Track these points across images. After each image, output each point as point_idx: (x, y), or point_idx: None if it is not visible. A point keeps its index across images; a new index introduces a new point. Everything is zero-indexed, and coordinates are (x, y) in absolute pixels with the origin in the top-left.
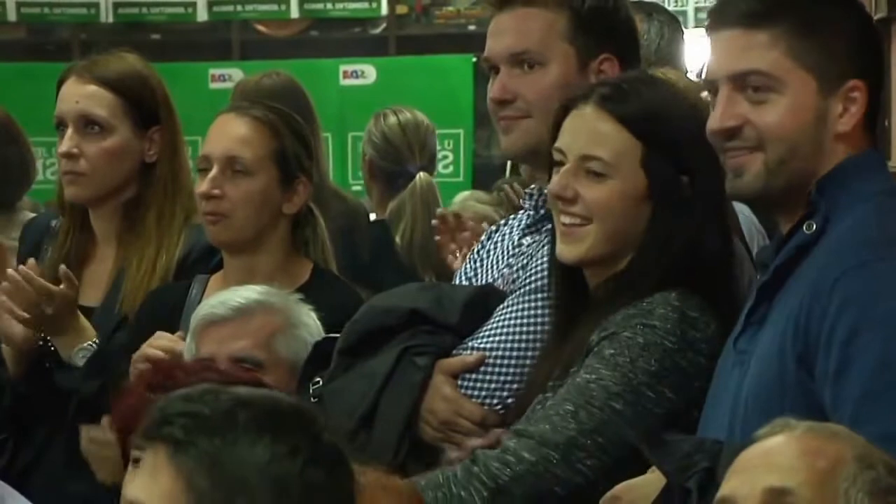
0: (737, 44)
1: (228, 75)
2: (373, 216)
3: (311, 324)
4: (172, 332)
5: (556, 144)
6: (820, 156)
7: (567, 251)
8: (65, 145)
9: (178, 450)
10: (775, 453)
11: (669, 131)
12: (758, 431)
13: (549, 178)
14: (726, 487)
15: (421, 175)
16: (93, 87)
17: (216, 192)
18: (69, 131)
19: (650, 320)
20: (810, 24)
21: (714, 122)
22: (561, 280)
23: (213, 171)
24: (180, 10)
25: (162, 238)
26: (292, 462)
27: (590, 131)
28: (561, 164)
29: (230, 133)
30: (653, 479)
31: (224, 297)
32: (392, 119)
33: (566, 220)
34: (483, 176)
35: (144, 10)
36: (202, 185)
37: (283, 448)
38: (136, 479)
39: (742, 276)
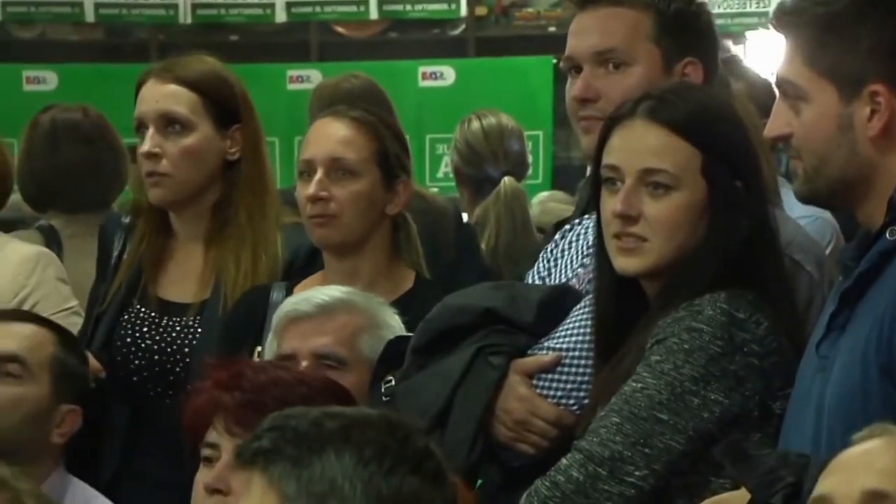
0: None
1: (307, 76)
2: (465, 218)
3: (395, 325)
4: (257, 337)
5: (608, 162)
6: (856, 161)
7: (629, 264)
8: (146, 145)
9: (268, 462)
10: (876, 456)
11: (723, 137)
12: (856, 434)
13: (593, 197)
14: (823, 486)
15: (506, 181)
16: (173, 87)
17: (323, 194)
18: (150, 131)
19: (698, 323)
20: (824, 32)
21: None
22: (616, 287)
23: (319, 174)
24: (259, 11)
25: (256, 237)
26: (380, 466)
27: (646, 145)
28: (610, 180)
29: (332, 135)
30: (739, 495)
31: (307, 294)
32: (475, 124)
33: (628, 240)
34: (562, 178)
35: (223, 11)
36: (308, 189)
37: (370, 453)
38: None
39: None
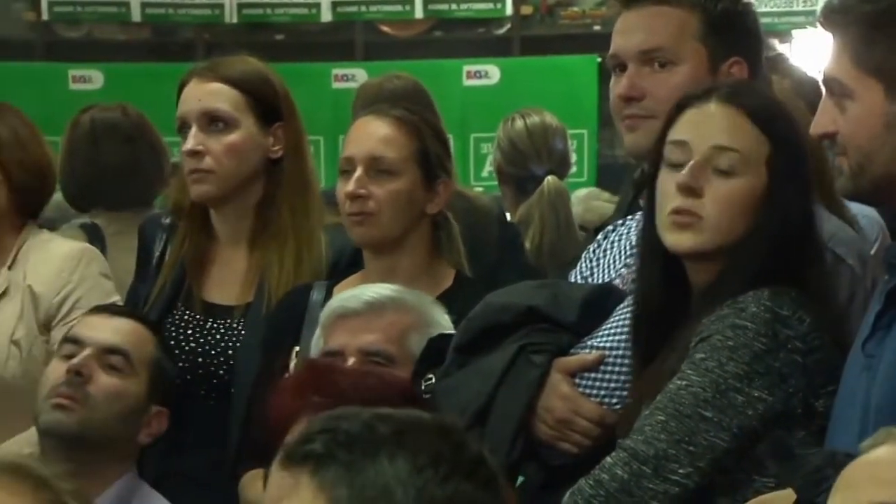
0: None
1: (352, 75)
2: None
3: (444, 324)
4: (296, 336)
5: (677, 137)
6: None
7: (682, 240)
8: (189, 143)
9: (318, 465)
10: (880, 466)
11: (789, 132)
12: (863, 443)
13: (653, 168)
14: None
15: (549, 179)
16: (216, 85)
17: (362, 191)
18: (193, 129)
19: (742, 320)
20: (871, 31)
21: (811, 127)
22: (662, 282)
23: (358, 172)
24: (304, 10)
25: (300, 237)
26: (435, 472)
27: (720, 124)
28: (674, 161)
29: (373, 134)
30: (784, 495)
31: (356, 291)
32: (519, 123)
33: (685, 216)
34: (607, 176)
35: (268, 10)
36: (347, 186)
37: (424, 459)
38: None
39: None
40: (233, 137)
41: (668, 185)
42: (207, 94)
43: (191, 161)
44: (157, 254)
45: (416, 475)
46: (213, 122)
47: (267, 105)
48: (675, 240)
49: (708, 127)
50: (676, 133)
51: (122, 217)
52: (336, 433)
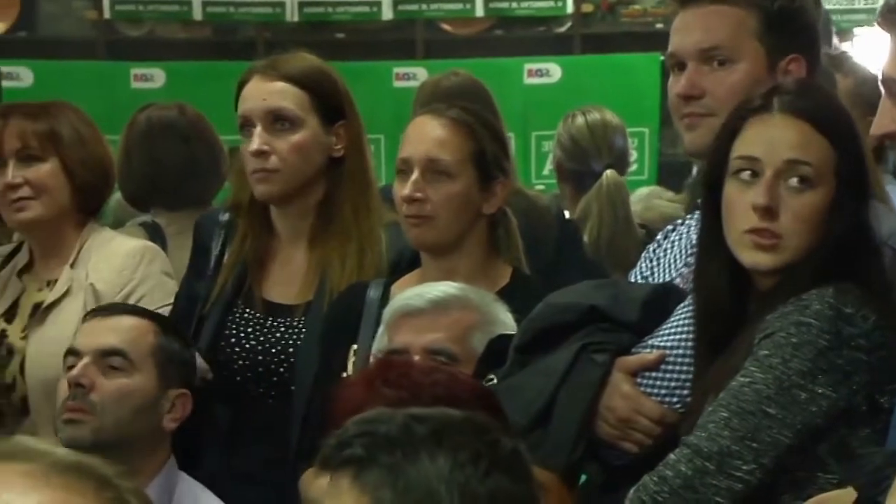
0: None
1: (413, 74)
2: (567, 215)
3: (507, 322)
4: (353, 335)
5: (744, 153)
6: None
7: (764, 260)
8: (255, 143)
9: (360, 469)
10: None
11: (852, 137)
12: None
13: (714, 176)
14: None
15: (608, 173)
16: (280, 84)
17: (419, 195)
18: (258, 129)
19: (805, 318)
20: None
21: (872, 127)
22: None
23: (414, 175)
24: (365, 8)
25: (361, 235)
26: (475, 469)
27: (789, 138)
28: (742, 172)
29: (429, 135)
30: (845, 493)
31: (421, 289)
32: (580, 120)
33: (764, 235)
34: (668, 174)
35: (329, 9)
36: (404, 189)
37: (463, 456)
38: None
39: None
40: (298, 137)
41: (740, 201)
42: (272, 92)
43: (256, 160)
44: (215, 252)
45: (457, 473)
46: (278, 121)
47: (330, 104)
48: (755, 260)
49: (777, 140)
50: (745, 147)
51: (181, 216)
52: (374, 436)
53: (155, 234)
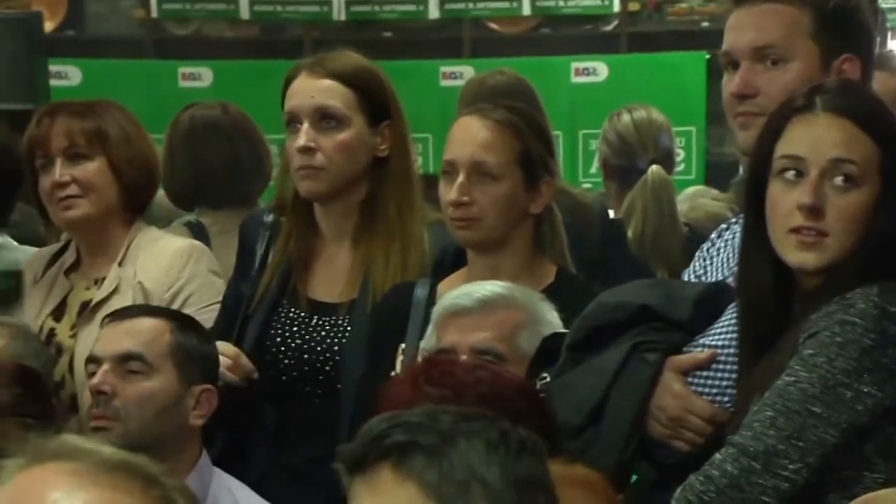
0: None
1: (459, 73)
2: (611, 213)
3: (553, 322)
4: (401, 334)
5: (789, 152)
6: None
7: (809, 259)
8: (302, 139)
9: (402, 456)
10: None
11: (894, 132)
12: None
13: (757, 175)
14: None
15: (653, 169)
16: (327, 82)
17: (465, 199)
18: (305, 126)
19: (850, 316)
20: None
21: None
22: (773, 280)
23: (460, 178)
24: (412, 7)
25: (405, 234)
26: (507, 450)
27: (833, 137)
28: (787, 171)
29: (474, 138)
30: (892, 493)
31: (468, 288)
32: (626, 117)
33: (809, 234)
34: (715, 174)
35: (376, 7)
36: (450, 194)
37: (494, 438)
38: (369, 501)
39: None
40: (344, 136)
41: (784, 201)
42: (320, 90)
43: (302, 157)
44: (260, 252)
45: (493, 454)
46: (325, 118)
47: (376, 103)
48: (801, 259)
49: (822, 139)
50: (789, 147)
51: (225, 215)
52: (408, 424)
53: (199, 233)
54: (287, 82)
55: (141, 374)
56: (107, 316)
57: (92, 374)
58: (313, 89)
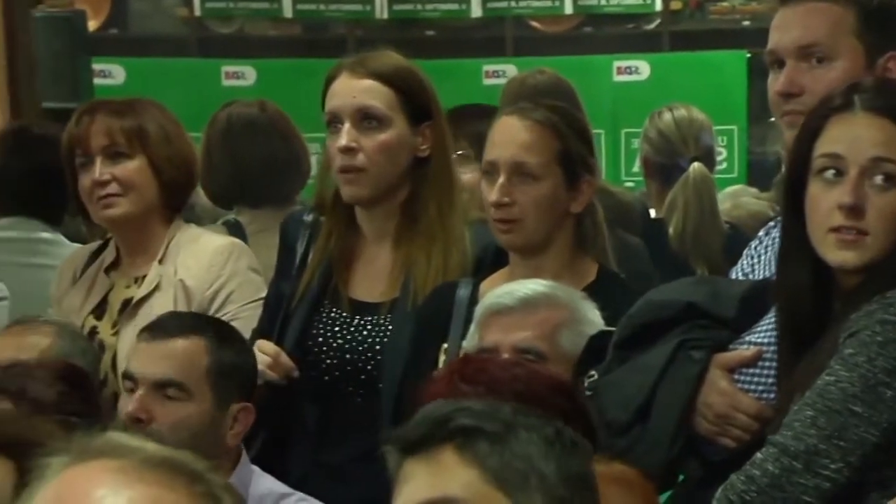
0: None
1: (502, 71)
2: (652, 213)
3: (595, 321)
4: (444, 334)
5: (828, 151)
6: None
7: (848, 258)
8: (343, 139)
9: (466, 440)
10: None
11: None
12: None
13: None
14: None
15: (695, 166)
16: (369, 82)
17: (506, 200)
18: (346, 126)
19: (891, 315)
20: None
21: None
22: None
23: (501, 179)
24: (454, 6)
25: (447, 233)
26: (563, 447)
27: (872, 136)
28: (826, 171)
29: (514, 138)
30: None
31: (510, 287)
32: (667, 115)
33: (849, 233)
34: (757, 173)
35: (419, 6)
36: (492, 194)
37: (550, 433)
38: (426, 481)
39: None
40: (385, 136)
41: (823, 200)
42: (362, 90)
43: (343, 157)
44: (300, 251)
45: (550, 449)
46: (367, 119)
47: (417, 104)
48: (841, 258)
49: (861, 138)
50: (828, 146)
51: (263, 214)
52: (472, 410)
53: (236, 232)
54: (328, 82)
55: (177, 399)
56: (143, 330)
57: (129, 391)
58: (354, 89)
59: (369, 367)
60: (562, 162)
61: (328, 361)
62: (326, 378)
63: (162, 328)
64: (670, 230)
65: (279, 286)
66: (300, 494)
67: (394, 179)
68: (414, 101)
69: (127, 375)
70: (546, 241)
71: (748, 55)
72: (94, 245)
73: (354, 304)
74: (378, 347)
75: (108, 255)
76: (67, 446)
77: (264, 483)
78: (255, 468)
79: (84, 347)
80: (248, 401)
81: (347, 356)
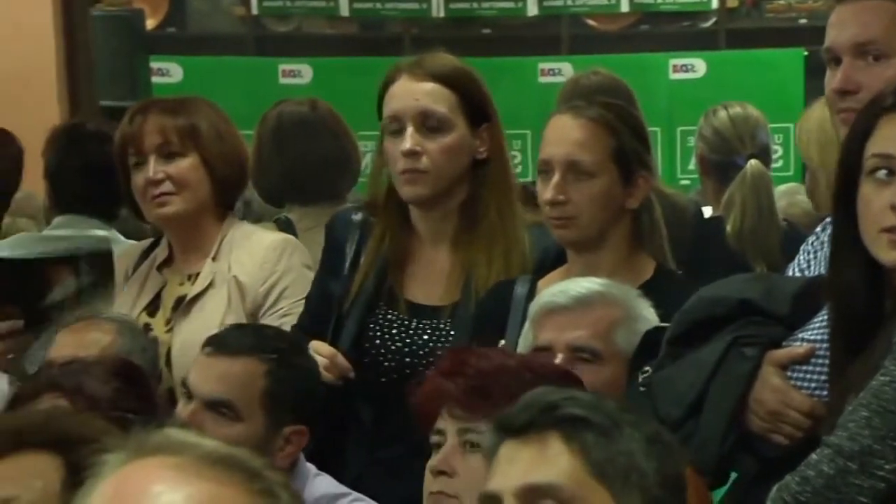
0: None
1: (558, 69)
2: (708, 211)
3: (650, 318)
4: (500, 331)
5: (881, 151)
6: None
7: None
8: (408, 143)
9: (574, 429)
10: None
11: None
12: None
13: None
14: None
15: (752, 163)
16: (430, 85)
17: (561, 197)
18: (410, 129)
19: None
20: None
21: None
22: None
23: (556, 178)
24: (511, 4)
25: (507, 235)
26: (662, 448)
27: None
28: (879, 171)
29: (569, 137)
30: None
31: (565, 286)
32: (722, 113)
33: None
34: None
35: (475, 4)
36: (546, 193)
37: (651, 433)
38: (530, 465)
39: None
40: (449, 139)
41: (876, 200)
42: (424, 93)
43: (407, 161)
44: (351, 252)
45: (650, 447)
46: (429, 122)
47: (476, 106)
48: (894, 258)
49: None
50: (880, 145)
51: (313, 212)
52: (581, 400)
53: (287, 229)
54: (386, 84)
55: (229, 419)
56: (208, 342)
57: (186, 397)
58: (416, 92)
59: (429, 371)
60: (616, 159)
61: (385, 364)
62: (383, 380)
63: (224, 344)
64: (728, 228)
65: (325, 285)
66: (356, 494)
67: (454, 181)
68: (473, 103)
69: (185, 385)
70: (602, 236)
71: (805, 53)
72: (146, 243)
73: (412, 306)
74: (439, 352)
75: (161, 253)
76: (124, 443)
77: (320, 485)
78: (312, 468)
79: (144, 344)
80: (306, 422)
81: (406, 359)
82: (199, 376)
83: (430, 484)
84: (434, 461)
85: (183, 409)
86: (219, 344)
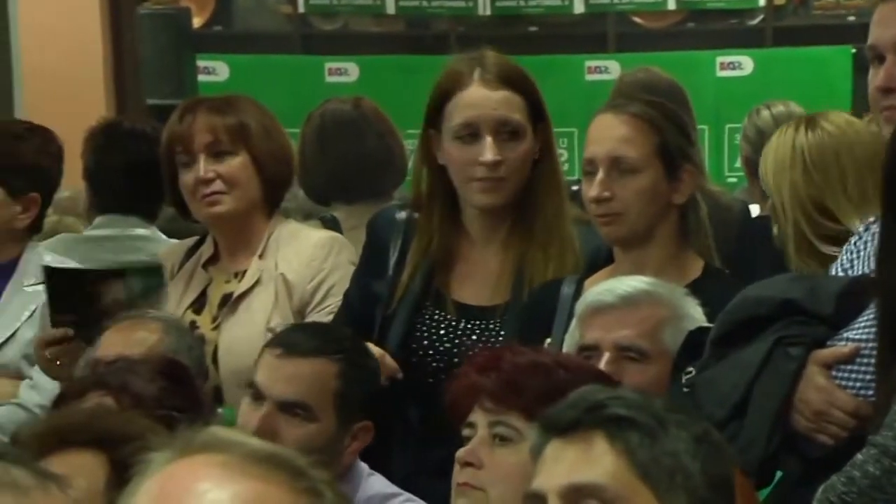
0: None
1: (605, 67)
2: (756, 210)
3: (697, 317)
4: (547, 330)
5: None
6: None
7: None
8: (489, 154)
9: (619, 429)
10: None
11: None
12: None
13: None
14: None
15: None
16: (504, 92)
17: (606, 195)
18: (488, 139)
19: None
20: None
21: None
22: None
23: (600, 175)
24: (557, 1)
25: (562, 234)
26: (709, 448)
27: None
28: None
29: (612, 134)
30: None
31: (611, 285)
32: (765, 113)
33: None
34: None
35: (522, 2)
36: (592, 190)
37: (698, 433)
38: (574, 465)
39: None
40: (524, 146)
41: None
42: (500, 102)
43: (487, 169)
44: (395, 251)
45: (697, 447)
46: (506, 129)
47: (536, 108)
48: None
49: None
50: None
51: (359, 210)
52: (627, 400)
53: (332, 228)
54: (449, 90)
55: (303, 420)
56: (271, 342)
57: (254, 398)
58: (493, 101)
59: None
60: (660, 153)
61: (434, 364)
62: (431, 380)
63: (294, 345)
64: (774, 229)
65: (367, 284)
66: (407, 495)
67: (522, 185)
68: (534, 105)
69: (254, 386)
70: (649, 232)
71: (853, 50)
72: (191, 241)
73: (459, 306)
74: None
75: (206, 251)
76: (170, 441)
77: (374, 484)
78: (366, 467)
79: (190, 343)
80: (370, 418)
81: (455, 360)
82: (270, 377)
83: (458, 475)
84: (462, 452)
85: (249, 408)
86: (287, 345)
